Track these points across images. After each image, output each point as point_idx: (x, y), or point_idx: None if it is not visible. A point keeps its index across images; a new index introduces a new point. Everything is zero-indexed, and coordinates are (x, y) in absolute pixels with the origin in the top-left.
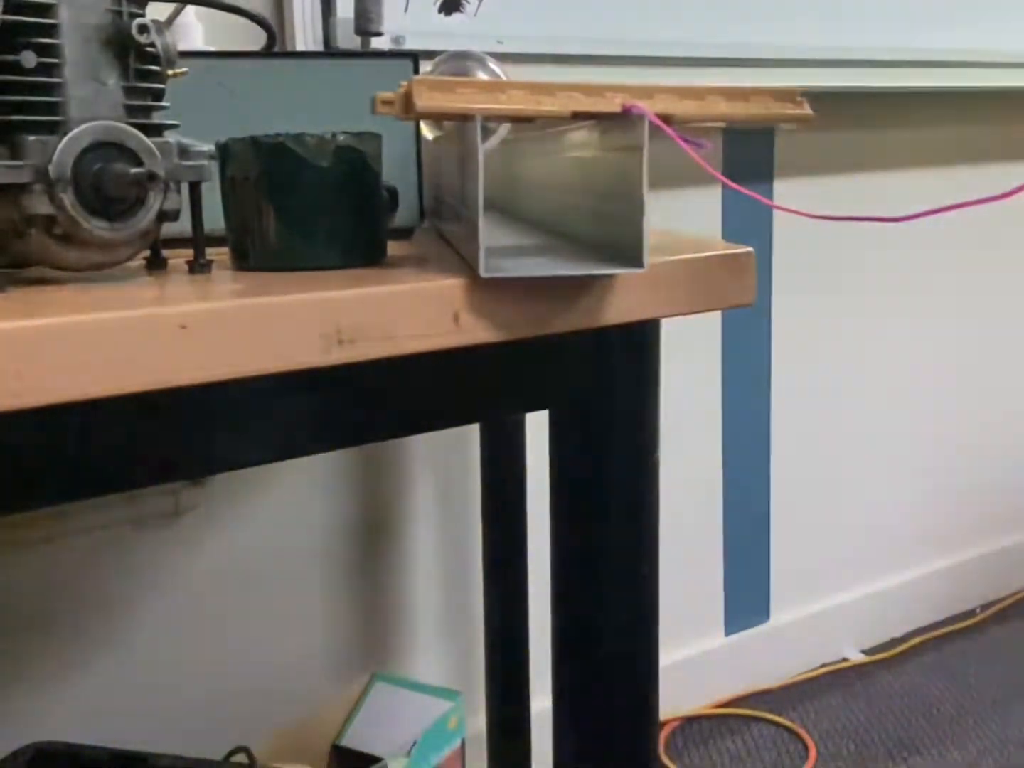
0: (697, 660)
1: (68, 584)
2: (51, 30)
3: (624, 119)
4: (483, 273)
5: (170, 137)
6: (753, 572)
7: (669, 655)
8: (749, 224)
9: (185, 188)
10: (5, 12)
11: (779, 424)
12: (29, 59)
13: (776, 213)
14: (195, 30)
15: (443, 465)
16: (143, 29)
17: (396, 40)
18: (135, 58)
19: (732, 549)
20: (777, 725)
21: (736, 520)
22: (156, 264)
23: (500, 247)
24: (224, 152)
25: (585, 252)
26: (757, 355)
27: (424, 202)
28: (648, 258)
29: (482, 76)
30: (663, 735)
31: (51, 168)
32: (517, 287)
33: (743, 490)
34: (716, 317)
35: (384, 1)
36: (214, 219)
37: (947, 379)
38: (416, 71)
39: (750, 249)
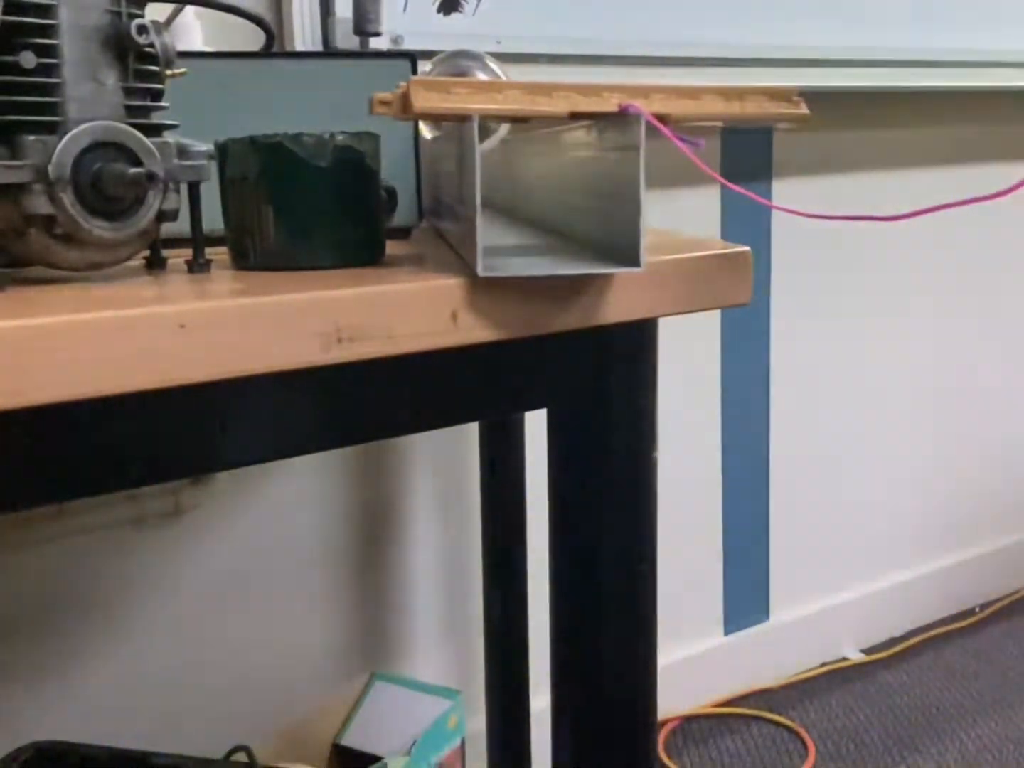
0: (696, 659)
1: (68, 584)
2: (50, 31)
3: (621, 119)
4: (481, 273)
5: (169, 137)
6: (752, 571)
7: (669, 654)
8: (748, 224)
9: (184, 188)
10: (5, 13)
11: (778, 423)
12: (28, 59)
13: (775, 213)
14: (194, 30)
15: (443, 465)
16: (142, 30)
17: (395, 40)
18: (134, 58)
19: (731, 548)
20: (776, 724)
21: (735, 519)
22: (155, 264)
23: (498, 247)
24: (223, 152)
25: (583, 252)
26: (756, 355)
27: (423, 202)
28: (645, 257)
29: (481, 75)
30: (663, 734)
31: (51, 168)
32: (515, 286)
33: (742, 489)
34: (715, 317)
35: (382, 1)
36: (213, 219)
37: (946, 379)
38: (414, 71)
39: (747, 248)
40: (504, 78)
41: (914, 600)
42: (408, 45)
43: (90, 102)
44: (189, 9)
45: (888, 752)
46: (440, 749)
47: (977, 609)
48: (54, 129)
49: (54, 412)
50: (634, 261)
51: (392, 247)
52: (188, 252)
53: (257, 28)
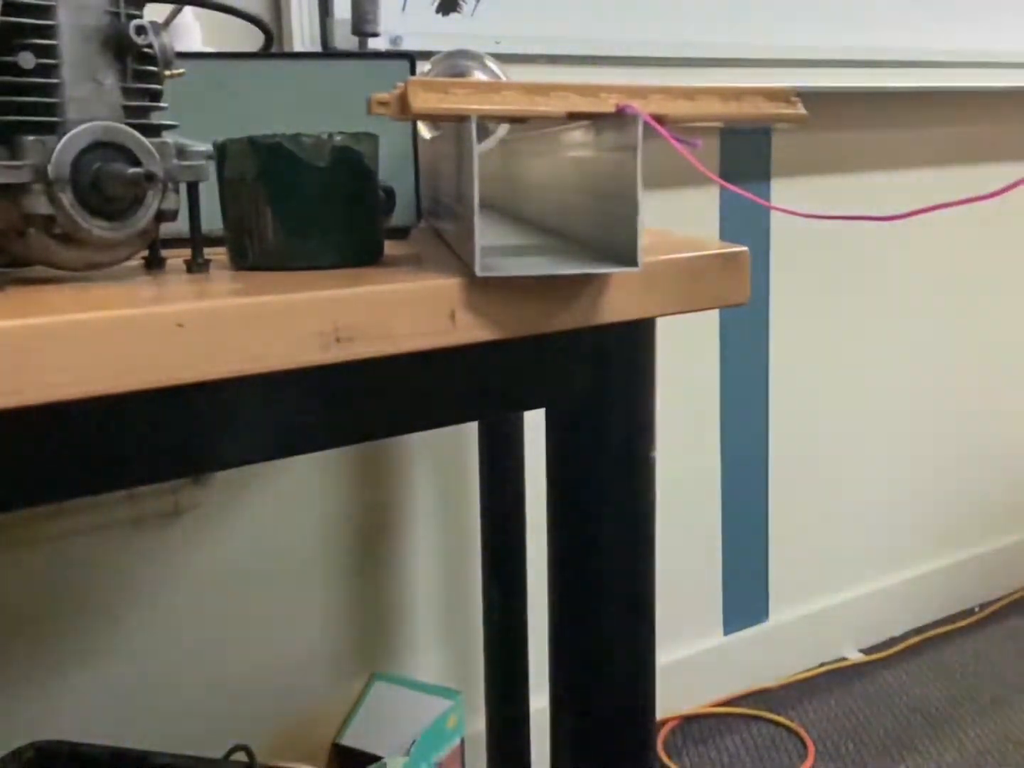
0: (696, 659)
1: (68, 583)
2: (49, 31)
3: (618, 119)
4: (479, 272)
5: (168, 137)
6: (752, 571)
7: (668, 654)
8: (747, 224)
9: (183, 188)
10: (3, 13)
11: (777, 423)
12: (27, 60)
13: (774, 213)
14: (193, 31)
15: (442, 464)
16: (141, 30)
17: (394, 40)
18: (133, 59)
19: (731, 548)
20: (776, 724)
21: (735, 519)
22: (154, 264)
23: (496, 246)
24: (222, 152)
25: (580, 251)
26: (755, 354)
27: (421, 202)
28: (642, 257)
29: (480, 75)
30: (662, 734)
31: (50, 168)
32: (513, 286)
33: (742, 489)
34: (714, 317)
35: (381, 2)
36: (212, 219)
37: (945, 379)
38: (413, 71)
39: (744, 248)
40: (503, 78)
41: (913, 600)
42: (407, 45)
43: (89, 102)
44: (188, 10)
45: (887, 752)
46: (440, 749)
47: (976, 609)
48: (53, 129)
49: (53, 411)
50: (631, 261)
51: (390, 247)
52: (187, 252)
53: (256, 28)
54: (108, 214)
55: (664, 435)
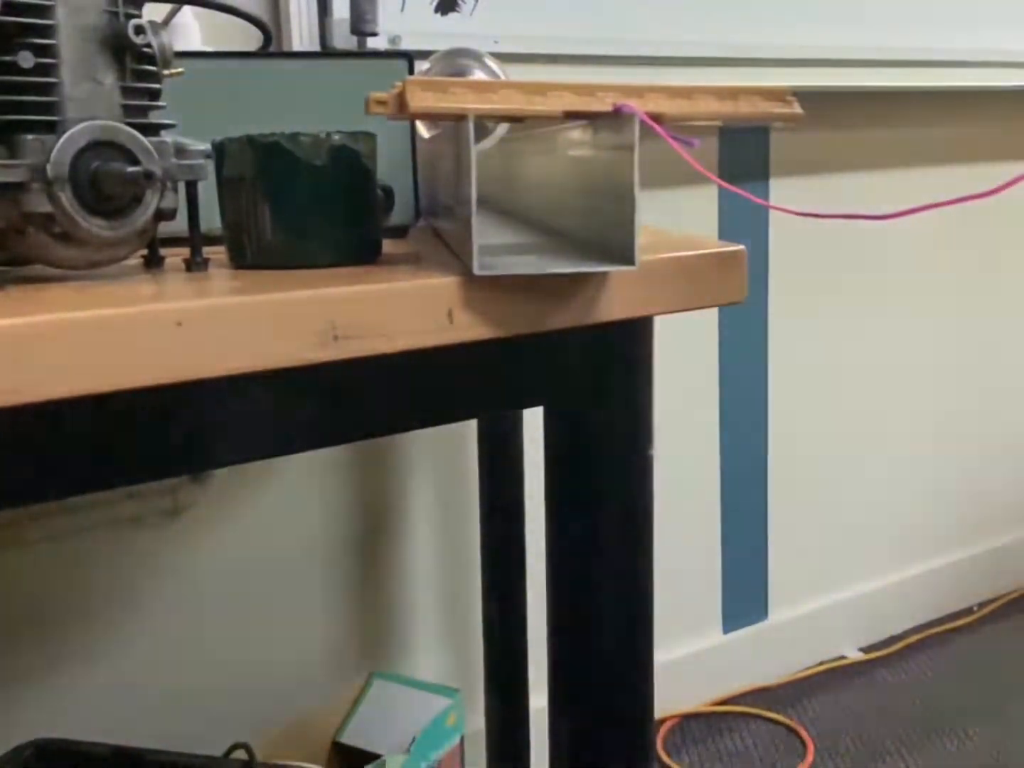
0: (695, 658)
1: (67, 582)
2: (48, 31)
3: (615, 118)
4: (476, 271)
5: (167, 136)
6: (751, 570)
7: (668, 652)
8: (745, 223)
9: (182, 187)
10: (3, 13)
11: (776, 422)
12: (26, 59)
13: (773, 211)
14: (192, 30)
15: (441, 463)
16: (139, 30)
17: (393, 40)
18: (131, 58)
19: (730, 547)
20: (775, 723)
21: (734, 518)
22: (153, 262)
23: (494, 245)
24: (220, 151)
25: (578, 250)
26: (754, 353)
27: (419, 201)
28: (639, 256)
29: (479, 73)
30: (662, 732)
31: (49, 167)
32: (511, 285)
33: (741, 488)
34: (713, 315)
35: (380, 1)
36: (211, 218)
37: (945, 378)
38: (411, 71)
39: (741, 247)
40: (503, 76)
41: (912, 599)
42: (406, 45)
43: (88, 102)
44: (187, 9)
45: (886, 750)
46: (439, 747)
47: (975, 608)
48: (52, 128)
49: (52, 410)
50: (629, 260)
51: (389, 246)
52: (186, 251)
53: (255, 28)
54: (107, 213)
55: (663, 434)
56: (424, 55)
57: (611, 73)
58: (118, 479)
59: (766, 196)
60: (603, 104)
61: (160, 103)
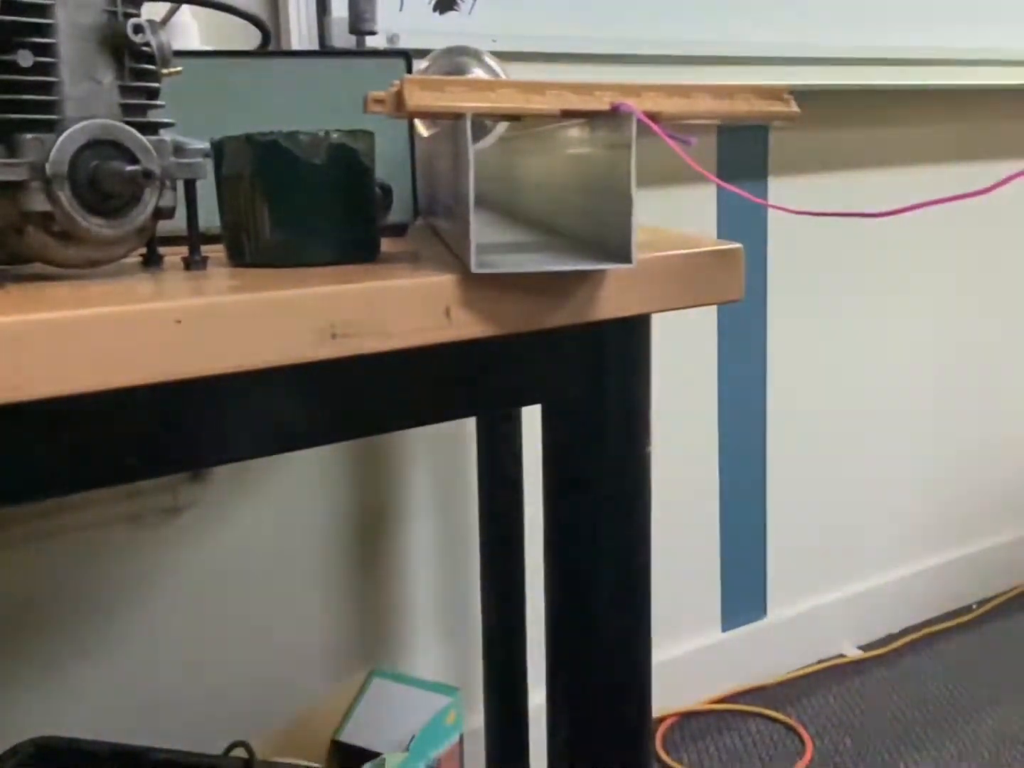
0: (694, 656)
1: (67, 580)
2: (47, 30)
3: (613, 117)
4: (474, 269)
5: (166, 135)
6: (750, 568)
7: (666, 651)
8: (744, 221)
9: (181, 186)
10: (2, 12)
11: (775, 421)
12: (25, 58)
13: (771, 210)
14: (191, 29)
15: (440, 461)
16: (138, 29)
17: (391, 39)
18: (130, 57)
19: (729, 545)
20: (774, 721)
21: (733, 516)
22: (152, 261)
23: (492, 243)
24: (219, 150)
25: (576, 248)
26: (753, 351)
27: (418, 199)
28: (636, 254)
29: (478, 71)
30: (661, 731)
31: (48, 166)
32: (508, 283)
33: (740, 487)
34: (712, 313)
35: (379, 0)
36: (209, 216)
37: (943, 377)
38: (409, 70)
39: (739, 245)
40: (502, 74)
41: (911, 597)
42: (404, 44)
43: (87, 101)
44: (185, 8)
45: (885, 748)
46: (439, 745)
47: (974, 606)
48: (51, 127)
49: (51, 407)
50: (626, 258)
51: (387, 244)
52: (185, 249)
53: (254, 27)
54: (106, 211)
55: (662, 432)
56: (423, 54)
57: (610, 72)
58: (118, 477)
59: (765, 194)
60: (601, 103)
61: (159, 102)
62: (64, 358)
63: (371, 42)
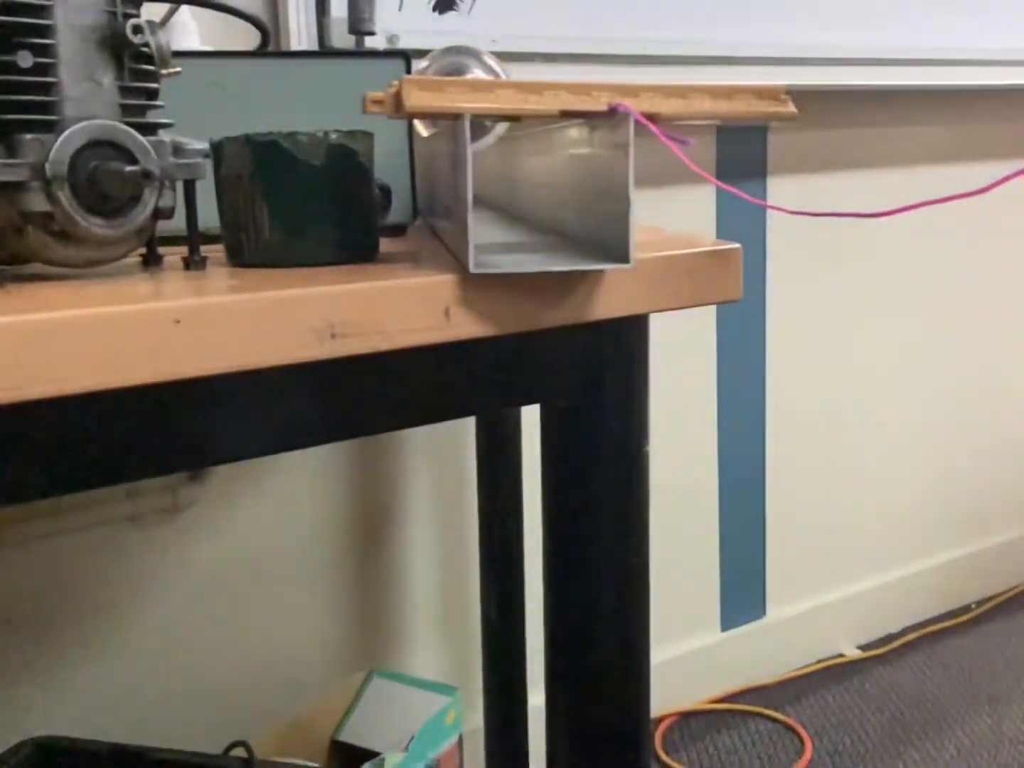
0: (694, 656)
1: (67, 580)
2: (46, 31)
3: (610, 118)
4: (472, 269)
5: (165, 136)
6: (749, 568)
7: (666, 651)
8: (744, 221)
9: (180, 186)
10: (1, 13)
11: (775, 420)
12: (25, 59)
13: (771, 210)
14: (190, 30)
15: (439, 461)
16: (137, 29)
17: (391, 39)
18: (130, 58)
19: (728, 545)
20: (773, 721)
21: (732, 516)
22: (152, 261)
23: (490, 244)
24: (218, 150)
25: (574, 248)
26: (752, 351)
27: (417, 199)
28: (635, 254)
29: (477, 71)
30: (660, 730)
31: (48, 166)
32: (506, 283)
33: (739, 486)
34: (711, 313)
35: (378, 0)
36: (209, 217)
37: (942, 377)
38: (408, 70)
39: (737, 245)
40: (502, 73)
41: (910, 597)
42: (404, 44)
43: (86, 101)
44: (185, 8)
45: (884, 748)
46: (438, 745)
47: (973, 606)
48: (51, 128)
49: (51, 407)
50: (624, 258)
51: (386, 244)
52: (184, 249)
53: (253, 27)
54: (105, 212)
55: (662, 432)
56: (422, 54)
57: (609, 72)
58: (117, 476)
59: (764, 194)
60: (598, 103)
61: (158, 102)
62: (64, 358)
63: (370, 42)
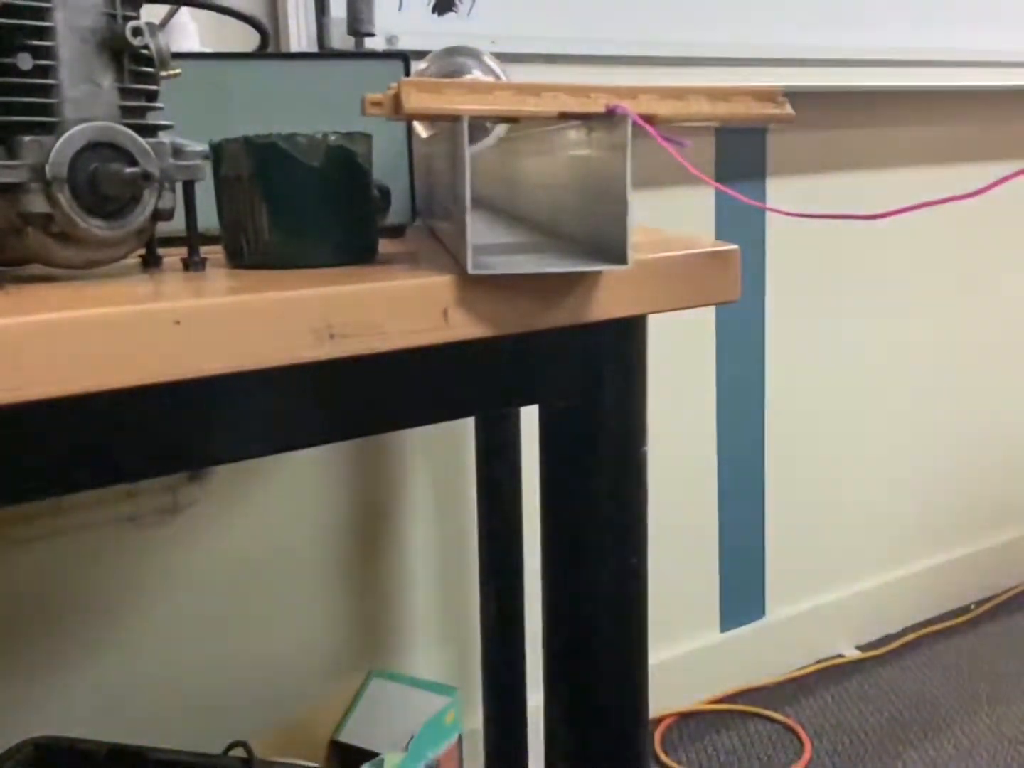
0: (693, 656)
1: (66, 580)
2: (46, 33)
3: (608, 119)
4: (471, 270)
5: (164, 137)
6: (749, 568)
7: (665, 651)
8: (743, 222)
9: (179, 187)
10: (1, 15)
11: (774, 421)
12: (25, 61)
13: (769, 212)
14: (189, 31)
15: (439, 461)
16: (137, 31)
17: (390, 40)
18: (129, 60)
19: (728, 545)
20: (773, 721)
21: (732, 516)
22: (151, 262)
23: (489, 245)
24: (217, 152)
25: (572, 249)
26: (751, 352)
27: (416, 200)
28: (632, 255)
29: (477, 72)
30: (659, 731)
31: (48, 168)
32: (505, 284)
33: (739, 487)
34: (710, 314)
35: (377, 1)
36: (208, 218)
37: (941, 378)
38: (407, 71)
39: (735, 246)
40: (501, 74)
41: (910, 597)
42: (403, 45)
43: (86, 103)
44: (184, 10)
45: (884, 748)
46: (437, 745)
47: (972, 606)
48: (51, 130)
49: (50, 408)
50: (621, 259)
51: (385, 245)
52: (184, 251)
53: (252, 29)
54: (105, 213)
55: (661, 433)
56: (421, 55)
57: (608, 73)
58: (117, 477)
59: (763, 196)
60: (596, 105)
61: (158, 104)
62: (64, 359)
63: (370, 43)
